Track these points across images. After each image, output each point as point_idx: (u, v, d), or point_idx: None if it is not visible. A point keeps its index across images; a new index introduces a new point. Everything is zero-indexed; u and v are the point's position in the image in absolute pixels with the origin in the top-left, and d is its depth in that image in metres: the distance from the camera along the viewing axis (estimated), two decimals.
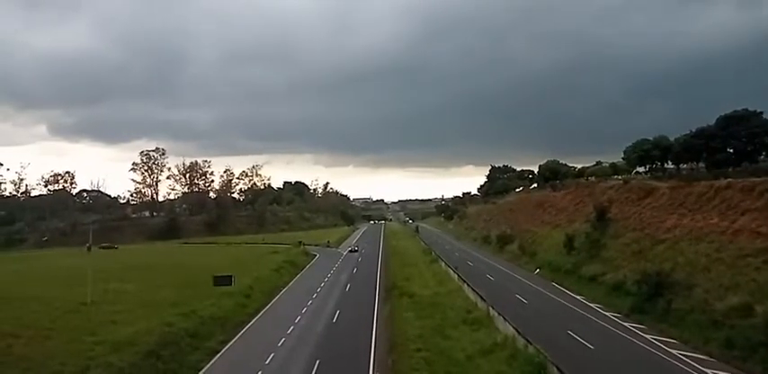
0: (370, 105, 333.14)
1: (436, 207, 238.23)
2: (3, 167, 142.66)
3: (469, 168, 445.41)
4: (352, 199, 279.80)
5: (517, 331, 29.75)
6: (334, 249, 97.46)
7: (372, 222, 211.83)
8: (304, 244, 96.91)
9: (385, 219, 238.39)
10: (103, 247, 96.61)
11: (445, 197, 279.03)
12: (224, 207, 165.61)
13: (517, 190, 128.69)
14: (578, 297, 43.93)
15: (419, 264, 69.13)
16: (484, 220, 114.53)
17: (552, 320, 36.13)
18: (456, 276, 53.52)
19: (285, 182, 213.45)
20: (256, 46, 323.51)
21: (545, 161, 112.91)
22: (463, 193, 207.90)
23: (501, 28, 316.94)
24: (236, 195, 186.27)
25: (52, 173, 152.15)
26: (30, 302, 39.53)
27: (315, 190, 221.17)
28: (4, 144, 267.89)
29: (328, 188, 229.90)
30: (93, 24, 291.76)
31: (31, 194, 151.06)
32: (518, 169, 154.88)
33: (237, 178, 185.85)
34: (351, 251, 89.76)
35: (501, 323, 33.20)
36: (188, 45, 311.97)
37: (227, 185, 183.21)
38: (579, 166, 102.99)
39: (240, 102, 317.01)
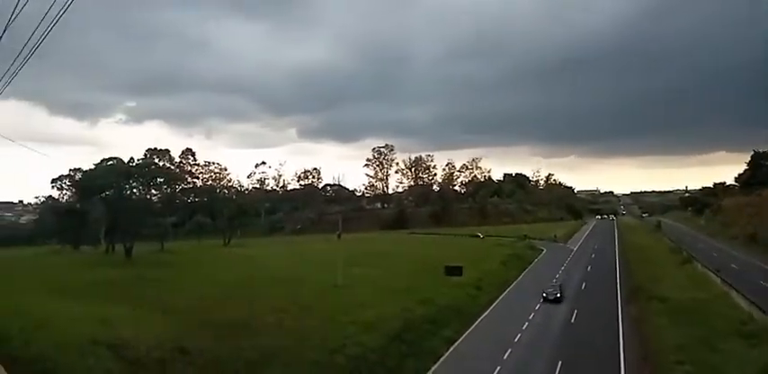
0: (590, 91, 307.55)
1: (680, 199, 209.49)
2: (266, 166, 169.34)
3: (721, 154, 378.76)
4: (576, 191, 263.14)
5: None
6: (561, 244, 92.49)
7: (600, 217, 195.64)
8: (529, 238, 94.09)
9: (616, 213, 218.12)
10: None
11: (689, 188, 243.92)
12: (446, 199, 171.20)
13: None
14: None
15: (667, 265, 61.15)
16: (748, 215, 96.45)
17: None
18: (718, 280, 45.80)
19: (505, 175, 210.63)
20: (472, 40, 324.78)
21: None
22: (715, 184, 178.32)
23: None
24: (457, 188, 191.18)
25: (303, 170, 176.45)
26: (293, 282, 45.58)
27: (536, 182, 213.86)
28: (265, 146, 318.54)
29: (551, 180, 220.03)
30: (332, 37, 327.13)
31: (288, 188, 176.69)
32: None
33: (458, 171, 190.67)
34: (547, 298, 42.60)
35: None
36: (410, 47, 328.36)
37: (449, 178, 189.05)
38: None
39: (457, 97, 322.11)
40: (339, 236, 51.65)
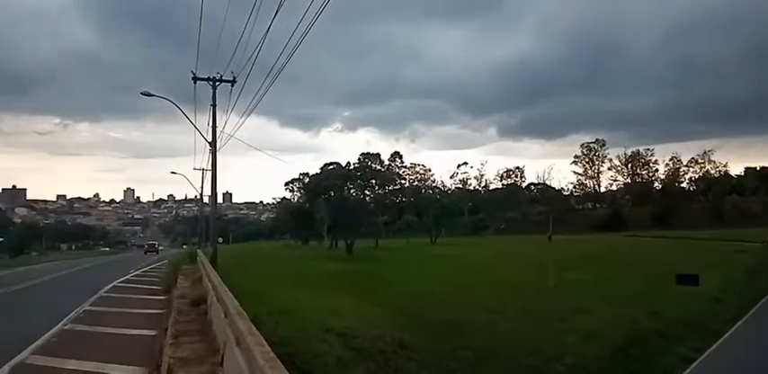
0: None
1: None
2: (467, 166, 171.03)
3: None
4: None
5: None
6: None
7: None
8: None
9: None
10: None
11: None
12: (671, 198, 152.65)
13: None
14: None
15: None
16: None
17: None
18: None
19: (747, 169, 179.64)
20: (699, 16, 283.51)
21: None
22: None
23: None
24: (684, 185, 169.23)
25: (505, 169, 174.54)
26: (502, 283, 44.72)
27: None
28: (466, 147, 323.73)
29: None
30: (536, 28, 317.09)
31: (490, 188, 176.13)
32: None
33: (685, 166, 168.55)
34: None
35: None
36: (625, 30, 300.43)
37: (674, 174, 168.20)
38: None
39: (681, 82, 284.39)
40: (550, 238, 49.23)
